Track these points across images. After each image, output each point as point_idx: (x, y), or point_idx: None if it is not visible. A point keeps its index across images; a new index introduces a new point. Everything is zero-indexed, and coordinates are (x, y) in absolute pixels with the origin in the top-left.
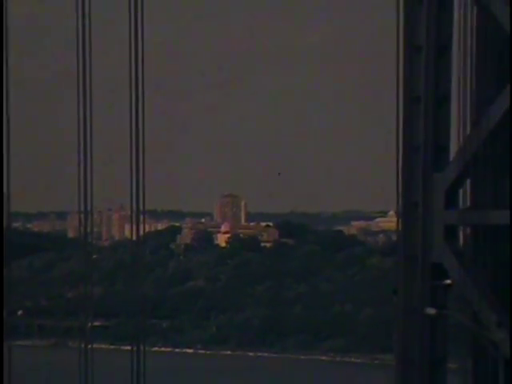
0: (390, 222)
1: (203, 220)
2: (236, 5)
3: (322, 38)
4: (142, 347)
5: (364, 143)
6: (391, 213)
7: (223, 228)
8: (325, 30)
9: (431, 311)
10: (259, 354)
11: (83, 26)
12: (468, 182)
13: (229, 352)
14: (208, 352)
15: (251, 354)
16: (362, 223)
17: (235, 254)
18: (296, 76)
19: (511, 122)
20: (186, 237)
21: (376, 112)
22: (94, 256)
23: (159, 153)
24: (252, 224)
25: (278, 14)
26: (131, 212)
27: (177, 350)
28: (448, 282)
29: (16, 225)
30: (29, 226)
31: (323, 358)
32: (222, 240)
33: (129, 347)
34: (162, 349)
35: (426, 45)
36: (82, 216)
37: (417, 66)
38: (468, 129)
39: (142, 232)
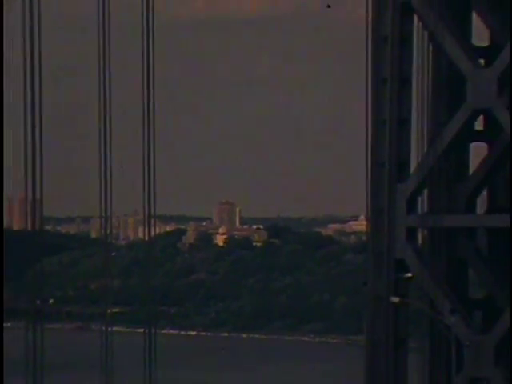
0: (360, 224)
1: (204, 223)
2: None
3: (308, 69)
4: (153, 330)
5: (339, 159)
6: (362, 217)
7: (221, 230)
8: (303, 60)
9: (395, 299)
10: (251, 335)
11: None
12: (425, 191)
13: (226, 334)
14: (208, 334)
15: (244, 335)
16: (337, 226)
17: (231, 251)
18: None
19: (511, 129)
20: (189, 237)
21: (349, 134)
22: (113, 253)
23: (166, 165)
24: (245, 227)
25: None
26: (144, 216)
27: (182, 332)
28: (409, 275)
29: (48, 227)
30: (58, 228)
31: (305, 338)
32: (220, 240)
33: (142, 330)
34: (170, 331)
35: (391, 77)
36: (103, 220)
37: (383, 94)
38: (425, 147)
39: (152, 233)
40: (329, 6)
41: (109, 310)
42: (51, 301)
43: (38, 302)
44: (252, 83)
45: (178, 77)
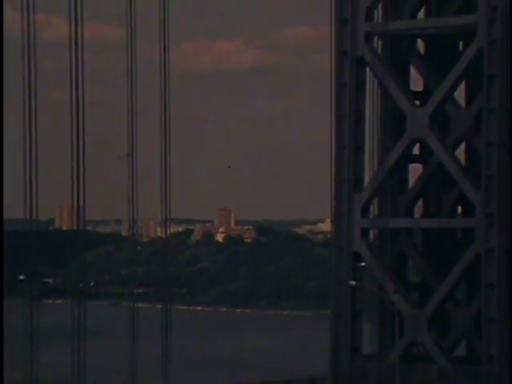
0: (326, 226)
1: (207, 225)
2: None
3: (289, 108)
4: (168, 306)
5: (311, 176)
6: (327, 220)
7: (220, 230)
8: (286, 100)
9: (352, 283)
10: (243, 310)
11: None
12: (376, 200)
13: (224, 309)
14: (210, 309)
15: (238, 310)
16: (309, 227)
17: (228, 246)
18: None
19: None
20: (196, 235)
21: (318, 156)
22: (138, 247)
23: (178, 178)
24: (239, 227)
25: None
26: (161, 219)
27: (190, 307)
28: (363, 264)
29: (88, 228)
30: (97, 228)
31: (284, 312)
32: (219, 237)
33: (160, 306)
34: (181, 307)
35: (349, 113)
36: (131, 222)
37: (343, 126)
38: (375, 167)
39: (168, 232)
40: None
41: (135, 291)
42: (92, 283)
43: (82, 284)
44: (243, 120)
45: (191, 114)
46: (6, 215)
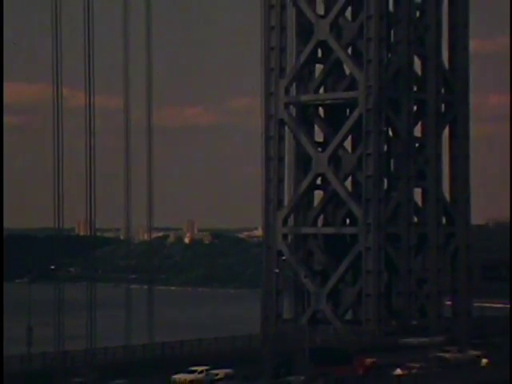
0: (259, 232)
1: (179, 231)
2: None
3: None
4: (152, 287)
5: (249, 200)
6: (260, 228)
7: (187, 235)
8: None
9: (276, 270)
10: (203, 289)
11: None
12: (292, 215)
13: (190, 289)
14: (181, 288)
15: (200, 289)
16: (248, 233)
17: (193, 246)
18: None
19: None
20: (171, 239)
21: (254, 187)
22: (131, 247)
23: (159, 197)
24: (200, 233)
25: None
26: (147, 227)
27: (167, 288)
28: (284, 258)
29: (98, 233)
30: (104, 234)
31: (231, 291)
32: (187, 240)
33: (146, 287)
34: (161, 287)
35: (273, 156)
36: (127, 229)
37: (269, 165)
38: (292, 192)
39: (152, 236)
40: None
41: (129, 276)
42: (100, 271)
43: (93, 272)
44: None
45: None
46: (40, 225)
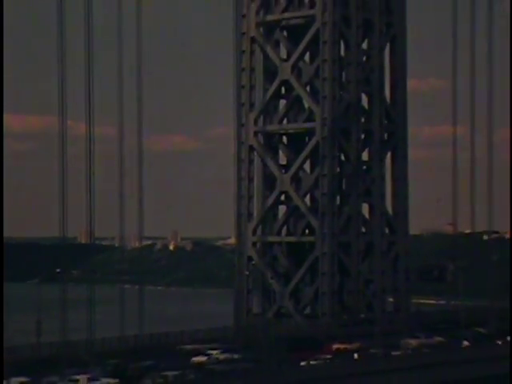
0: (233, 240)
1: (165, 240)
2: None
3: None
4: (142, 287)
5: (224, 212)
6: (233, 237)
7: (172, 243)
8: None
9: (247, 273)
10: (187, 289)
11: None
12: (260, 226)
13: (174, 289)
14: (166, 288)
15: (183, 289)
16: (223, 241)
17: (177, 253)
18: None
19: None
20: (158, 246)
21: (229, 203)
22: (125, 253)
23: (148, 210)
24: (183, 241)
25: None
26: (138, 236)
27: (155, 287)
28: (253, 262)
29: (96, 242)
30: (102, 242)
31: (208, 290)
32: (172, 247)
33: (137, 286)
34: (150, 287)
35: (244, 177)
36: (121, 238)
37: (241, 184)
38: (260, 207)
39: (142, 244)
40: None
41: (123, 278)
42: (98, 274)
43: (92, 274)
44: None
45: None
46: (47, 234)
